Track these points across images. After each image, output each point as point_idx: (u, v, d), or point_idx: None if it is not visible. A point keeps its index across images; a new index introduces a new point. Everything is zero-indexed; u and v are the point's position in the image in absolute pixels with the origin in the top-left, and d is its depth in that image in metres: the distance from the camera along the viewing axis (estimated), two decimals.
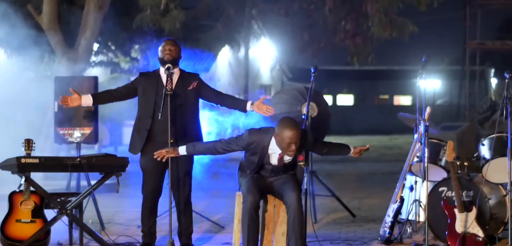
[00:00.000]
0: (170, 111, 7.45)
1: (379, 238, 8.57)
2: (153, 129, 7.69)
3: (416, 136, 8.61)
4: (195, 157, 7.92)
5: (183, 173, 7.74)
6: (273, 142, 7.10)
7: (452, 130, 21.23)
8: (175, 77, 7.76)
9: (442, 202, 8.14)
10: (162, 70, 7.78)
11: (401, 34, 19.73)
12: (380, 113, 43.96)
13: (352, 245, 8.54)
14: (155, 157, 7.29)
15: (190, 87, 7.79)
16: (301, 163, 7.21)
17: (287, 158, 7.16)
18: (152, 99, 7.71)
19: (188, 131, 7.72)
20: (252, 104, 7.78)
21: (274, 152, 7.13)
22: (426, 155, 7.98)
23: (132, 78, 8.13)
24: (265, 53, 35.38)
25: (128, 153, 7.85)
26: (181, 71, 7.88)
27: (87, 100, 7.85)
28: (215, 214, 10.11)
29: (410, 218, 8.70)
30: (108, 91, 7.98)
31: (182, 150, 7.26)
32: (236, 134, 7.35)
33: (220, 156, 7.59)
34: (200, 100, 7.96)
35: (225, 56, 32.97)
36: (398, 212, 8.51)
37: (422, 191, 8.65)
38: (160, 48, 7.83)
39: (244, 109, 7.86)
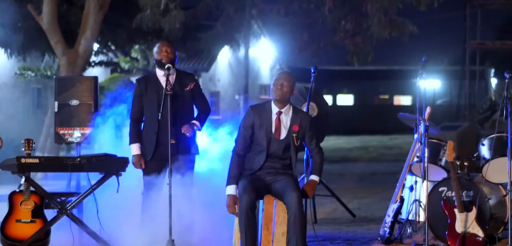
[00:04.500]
0: (170, 112, 7.46)
1: (379, 238, 8.57)
2: (159, 131, 7.70)
3: (416, 136, 8.61)
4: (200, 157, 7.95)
5: (185, 172, 7.73)
6: (273, 105, 7.22)
7: (452, 130, 21.25)
8: (173, 78, 7.76)
9: (442, 202, 8.14)
10: (159, 72, 7.78)
11: (400, 34, 19.73)
12: (380, 113, 43.97)
13: (352, 245, 8.54)
14: None
15: (187, 89, 7.80)
16: (294, 135, 7.22)
17: (283, 125, 7.20)
18: (155, 103, 7.71)
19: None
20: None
21: (274, 114, 7.22)
22: (426, 155, 7.98)
23: (132, 79, 8.14)
24: (265, 53, 35.38)
25: (129, 154, 7.84)
26: (178, 71, 7.89)
27: (136, 150, 7.81)
28: (215, 214, 10.07)
29: (410, 218, 8.70)
30: (137, 126, 7.90)
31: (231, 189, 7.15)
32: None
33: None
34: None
35: (225, 56, 32.97)
36: (398, 212, 8.50)
37: (422, 191, 8.65)
38: (155, 50, 7.84)
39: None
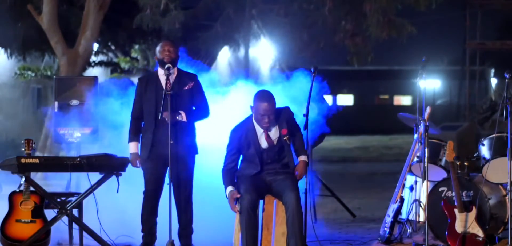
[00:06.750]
0: (169, 111, 7.46)
1: (379, 238, 8.58)
2: (156, 130, 7.69)
3: (416, 136, 8.61)
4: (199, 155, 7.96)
5: (184, 172, 7.74)
6: (256, 125, 7.25)
7: (452, 130, 21.20)
8: (173, 77, 7.75)
9: (442, 202, 8.14)
10: (160, 71, 7.78)
11: (399, 35, 19.72)
12: (380, 113, 43.94)
13: (352, 245, 8.54)
14: None
15: (186, 88, 7.79)
16: (285, 138, 7.24)
17: (273, 136, 7.23)
18: (153, 101, 7.71)
19: (185, 130, 7.72)
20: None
21: (261, 132, 7.26)
22: (426, 155, 7.98)
23: (132, 79, 8.13)
24: (265, 53, 35.37)
25: (129, 153, 7.84)
26: (179, 70, 7.89)
27: (133, 148, 7.82)
28: (215, 214, 10.08)
29: (410, 218, 8.70)
30: (137, 124, 7.91)
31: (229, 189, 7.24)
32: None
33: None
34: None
35: (225, 56, 32.97)
36: (398, 212, 8.51)
37: (422, 191, 8.66)
38: (158, 49, 7.83)
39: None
